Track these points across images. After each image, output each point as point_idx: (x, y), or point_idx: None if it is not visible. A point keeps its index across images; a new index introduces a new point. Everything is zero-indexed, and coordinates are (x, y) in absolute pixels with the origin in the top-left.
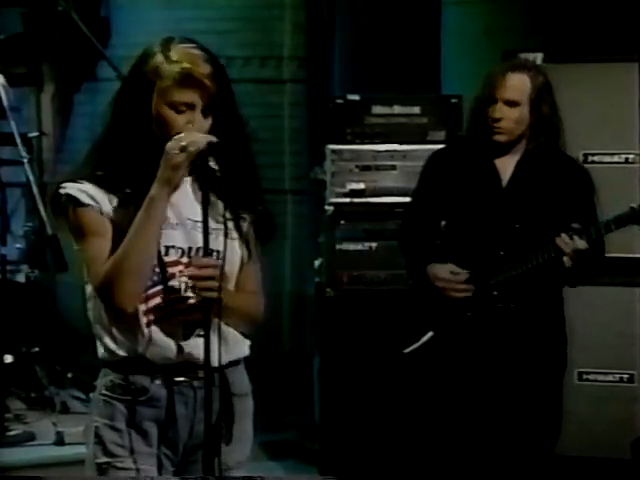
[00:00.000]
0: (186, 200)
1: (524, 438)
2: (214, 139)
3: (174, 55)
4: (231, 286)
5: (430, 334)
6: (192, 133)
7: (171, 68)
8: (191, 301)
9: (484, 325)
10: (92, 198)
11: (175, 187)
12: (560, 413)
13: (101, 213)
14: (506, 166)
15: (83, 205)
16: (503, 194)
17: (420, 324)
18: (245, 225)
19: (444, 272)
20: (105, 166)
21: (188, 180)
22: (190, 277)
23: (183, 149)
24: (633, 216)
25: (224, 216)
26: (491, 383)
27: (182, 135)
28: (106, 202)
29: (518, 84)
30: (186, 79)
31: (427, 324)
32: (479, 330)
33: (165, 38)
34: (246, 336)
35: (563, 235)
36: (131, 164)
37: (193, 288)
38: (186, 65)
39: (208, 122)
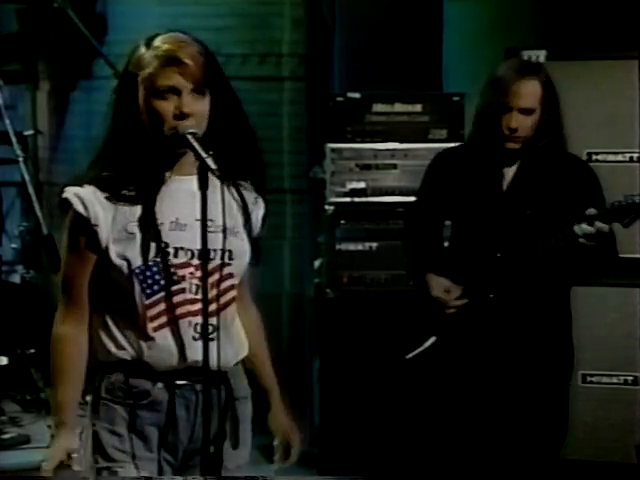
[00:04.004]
0: (194, 201)
1: (529, 443)
2: None
3: (156, 42)
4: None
5: (433, 339)
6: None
7: (152, 53)
8: (199, 306)
9: (486, 328)
10: (86, 208)
11: None
12: (566, 418)
13: (90, 226)
14: (508, 169)
15: (75, 213)
16: (503, 197)
17: (422, 326)
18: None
19: (438, 289)
20: (109, 168)
21: (195, 180)
22: None
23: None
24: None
25: (223, 212)
26: (495, 387)
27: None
28: (100, 211)
29: (532, 91)
30: (167, 61)
31: (429, 327)
32: (481, 333)
33: (153, 33)
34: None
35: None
36: (129, 165)
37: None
38: (167, 46)
39: (204, 104)
